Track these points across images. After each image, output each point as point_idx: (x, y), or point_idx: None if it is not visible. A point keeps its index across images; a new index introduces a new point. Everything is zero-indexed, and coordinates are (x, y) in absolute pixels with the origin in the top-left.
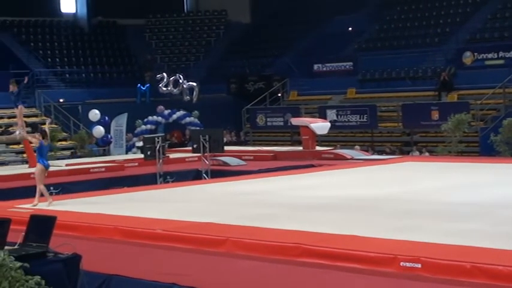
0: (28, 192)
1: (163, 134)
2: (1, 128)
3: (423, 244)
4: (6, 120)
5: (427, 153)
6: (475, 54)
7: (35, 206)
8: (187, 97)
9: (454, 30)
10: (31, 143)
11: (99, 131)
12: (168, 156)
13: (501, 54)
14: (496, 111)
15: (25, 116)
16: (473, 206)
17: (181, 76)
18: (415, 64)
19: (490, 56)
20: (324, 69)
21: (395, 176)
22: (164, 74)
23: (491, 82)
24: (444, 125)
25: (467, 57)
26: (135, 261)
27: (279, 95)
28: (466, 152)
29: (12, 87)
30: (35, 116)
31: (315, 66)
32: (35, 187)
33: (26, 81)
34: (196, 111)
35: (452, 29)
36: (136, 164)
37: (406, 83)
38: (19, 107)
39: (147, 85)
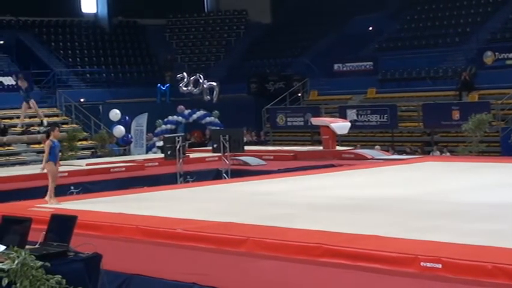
0: None
1: (183, 134)
2: (22, 127)
3: (443, 244)
4: (27, 120)
5: (448, 153)
6: (496, 53)
7: (52, 204)
8: (208, 97)
9: (475, 29)
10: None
11: (119, 130)
12: (189, 156)
13: None
14: None
15: (46, 116)
16: (494, 207)
17: (201, 76)
18: (435, 64)
19: (511, 55)
20: (344, 69)
21: (416, 176)
22: (184, 74)
23: None
24: (465, 124)
25: (488, 57)
26: (156, 261)
27: (299, 94)
28: (487, 152)
29: (21, 83)
30: (56, 115)
31: (335, 66)
32: (56, 186)
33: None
34: (216, 111)
35: (472, 28)
36: (157, 163)
37: (427, 83)
38: (30, 102)
39: (167, 85)
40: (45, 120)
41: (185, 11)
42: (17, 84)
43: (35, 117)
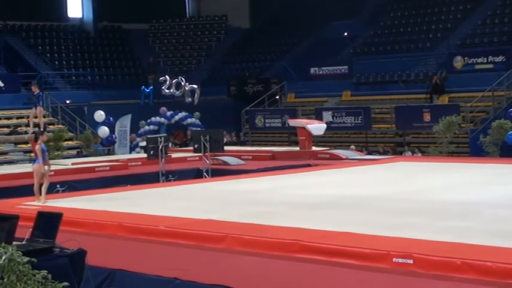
0: None
1: (165, 135)
2: (10, 128)
3: (415, 241)
4: (15, 121)
5: (419, 154)
6: (465, 58)
7: (42, 203)
8: (189, 99)
9: (445, 35)
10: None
11: (104, 131)
12: (170, 156)
13: (490, 58)
14: (485, 114)
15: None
16: (464, 205)
17: (183, 79)
18: (407, 68)
19: (479, 60)
20: (320, 72)
21: (389, 175)
22: (167, 77)
23: (481, 85)
24: (435, 126)
25: (458, 62)
26: (138, 257)
27: (277, 97)
28: (457, 153)
29: (34, 89)
30: (43, 116)
31: (312, 70)
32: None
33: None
34: (197, 113)
35: (443, 34)
36: (140, 163)
37: (399, 86)
38: (38, 108)
39: (151, 87)
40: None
41: (168, 16)
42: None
43: (23, 118)
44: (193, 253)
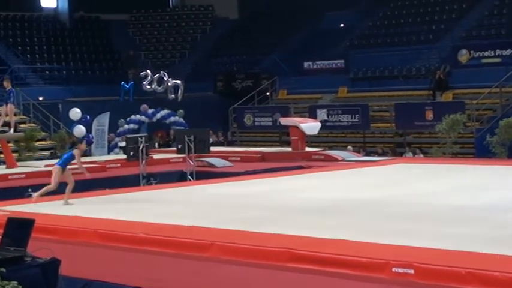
0: (6, 194)
1: (147, 134)
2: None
3: (416, 249)
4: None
5: (421, 155)
6: (471, 52)
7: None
8: (172, 95)
9: (450, 27)
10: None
11: (79, 130)
12: (152, 157)
13: (498, 52)
14: (492, 112)
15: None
16: (468, 210)
17: (165, 74)
18: (408, 62)
19: (486, 54)
20: (315, 67)
21: (388, 178)
22: (148, 72)
23: (488, 81)
24: (438, 125)
25: (463, 55)
26: (116, 266)
27: (268, 93)
28: (461, 154)
29: (6, 84)
30: (14, 115)
31: (305, 64)
32: (12, 188)
33: None
34: (181, 110)
35: (447, 25)
36: (119, 165)
37: (400, 82)
38: (8, 105)
39: (131, 83)
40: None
41: (149, 6)
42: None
43: None
44: (176, 263)
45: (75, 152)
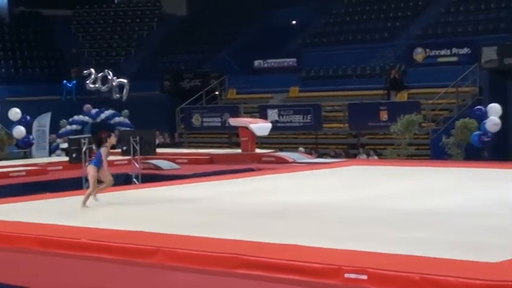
0: None
1: (90, 135)
2: None
3: (369, 254)
4: None
5: (375, 157)
6: (427, 50)
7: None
8: (117, 95)
9: (405, 24)
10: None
11: (19, 131)
12: None
13: (454, 50)
14: (449, 112)
15: None
16: (423, 214)
17: (110, 72)
18: (363, 61)
19: (442, 52)
20: (265, 65)
21: (341, 181)
22: (92, 70)
23: (444, 81)
24: (393, 126)
25: (419, 54)
26: (57, 273)
27: (217, 93)
28: (416, 155)
29: None
30: None
31: (256, 63)
32: None
33: None
34: (126, 111)
35: (403, 23)
36: (61, 167)
37: (353, 81)
38: None
39: (74, 82)
40: None
41: (93, 2)
42: None
43: None
44: (121, 269)
45: (103, 150)
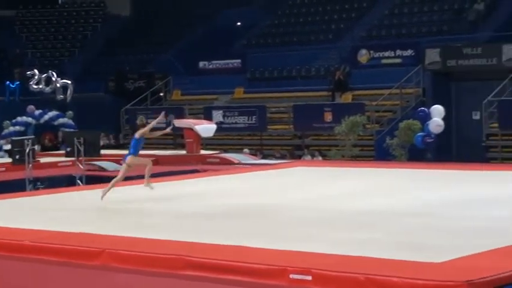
0: None
1: (33, 136)
2: None
3: (314, 255)
4: None
5: (319, 158)
6: (371, 52)
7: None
8: (61, 96)
9: (349, 26)
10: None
11: None
12: (39, 161)
13: (398, 52)
14: (393, 113)
15: None
16: (368, 214)
17: (54, 73)
18: (307, 62)
19: (386, 54)
20: (210, 66)
21: (286, 182)
22: (35, 71)
23: (388, 82)
24: (338, 127)
25: (363, 56)
26: (0, 276)
27: (161, 94)
28: (361, 157)
29: None
30: None
31: (201, 64)
32: None
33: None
34: (70, 112)
35: (347, 25)
36: (4, 169)
37: (298, 82)
38: None
39: (17, 83)
40: None
41: (37, 2)
42: None
43: None
44: (64, 271)
45: (136, 134)
